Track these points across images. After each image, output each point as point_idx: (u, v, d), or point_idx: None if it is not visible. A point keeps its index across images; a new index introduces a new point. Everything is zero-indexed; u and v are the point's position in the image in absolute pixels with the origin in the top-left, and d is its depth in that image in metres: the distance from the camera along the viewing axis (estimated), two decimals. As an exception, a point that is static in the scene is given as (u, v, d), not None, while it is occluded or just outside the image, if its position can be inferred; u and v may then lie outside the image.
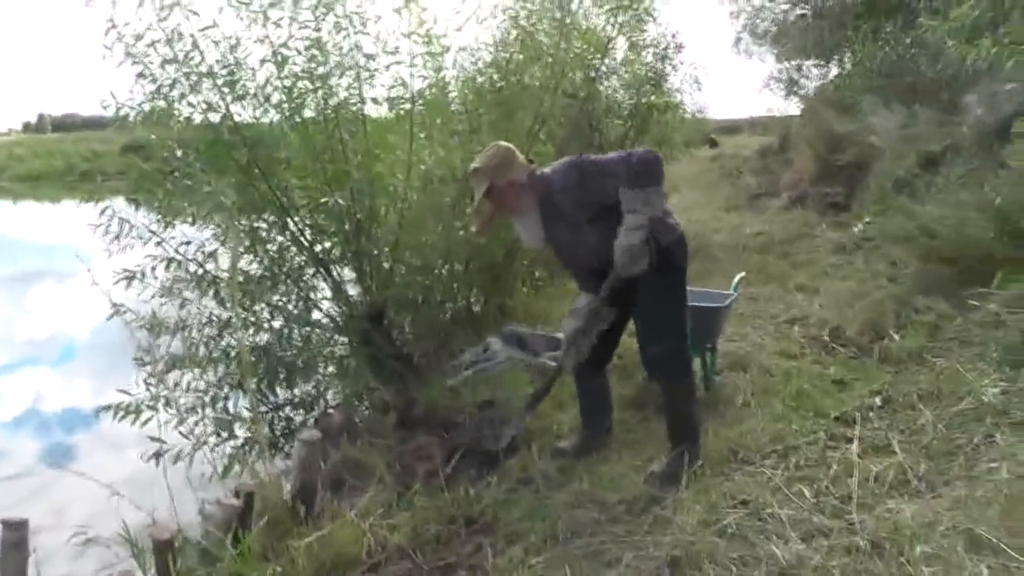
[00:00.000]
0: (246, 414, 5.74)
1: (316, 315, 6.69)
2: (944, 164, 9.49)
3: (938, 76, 12.00)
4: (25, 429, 8.60)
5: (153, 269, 5.91)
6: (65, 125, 71.40)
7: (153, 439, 4.74)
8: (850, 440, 4.59)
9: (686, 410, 4.45)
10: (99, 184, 6.16)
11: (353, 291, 6.67)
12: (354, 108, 6.31)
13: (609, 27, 10.50)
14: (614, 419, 5.03)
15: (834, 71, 19.72)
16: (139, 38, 5.78)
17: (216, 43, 5.92)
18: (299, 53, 6.12)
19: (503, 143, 4.47)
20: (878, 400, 5.13)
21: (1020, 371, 4.83)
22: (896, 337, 6.15)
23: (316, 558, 3.67)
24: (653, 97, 12.11)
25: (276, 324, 6.41)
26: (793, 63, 22.57)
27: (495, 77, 7.68)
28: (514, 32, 7.97)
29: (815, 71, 21.76)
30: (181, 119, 6.07)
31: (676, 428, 4.43)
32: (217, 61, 5.97)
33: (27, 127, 75.33)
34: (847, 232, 10.60)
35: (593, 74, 9.91)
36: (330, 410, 6.37)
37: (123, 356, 5.77)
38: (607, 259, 4.22)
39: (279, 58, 6.07)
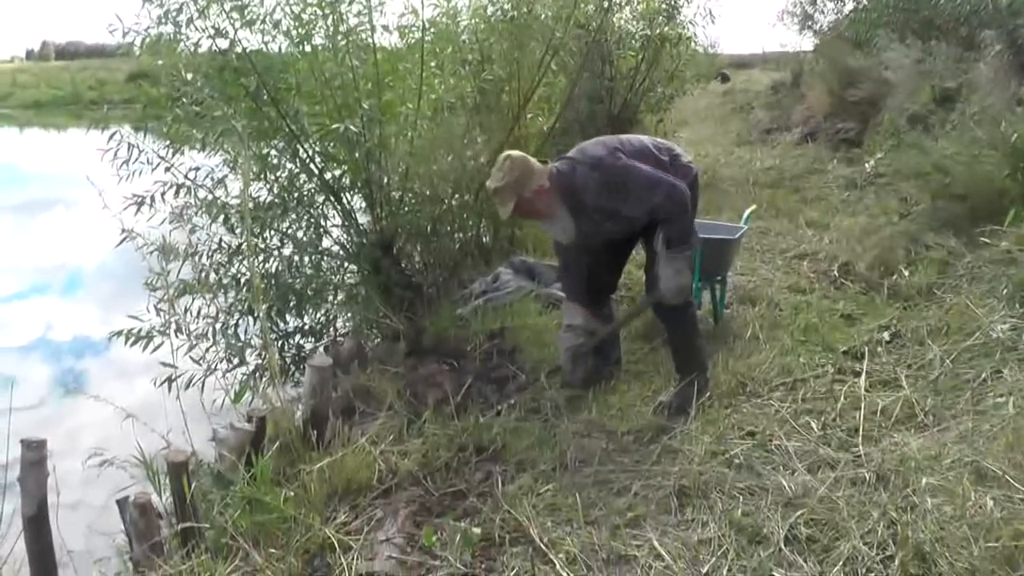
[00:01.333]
0: (257, 341, 5.77)
1: (326, 243, 6.70)
2: (960, 101, 9.39)
3: (956, 11, 11.82)
4: (36, 356, 8.67)
5: (162, 195, 5.90)
6: (69, 52, 70.71)
7: (165, 364, 4.76)
8: (858, 374, 4.61)
9: (690, 342, 4.48)
10: (105, 112, 6.09)
11: (363, 219, 6.66)
12: (364, 36, 6.23)
13: (623, -44, 10.36)
14: (622, 350, 5.04)
15: (849, 5, 19.38)
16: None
17: (225, -34, 5.84)
18: (309, -23, 6.03)
19: (514, 153, 4.32)
20: (886, 335, 5.14)
21: (1030, 307, 4.83)
22: (906, 273, 6.13)
23: (328, 483, 3.71)
24: (666, 29, 11.92)
25: (286, 251, 6.42)
26: (808, -4, 22.19)
27: (507, 6, 7.57)
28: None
29: (830, 5, 21.38)
30: (189, 45, 6.01)
31: (683, 360, 4.46)
32: (226, -16, 5.90)
33: (30, 54, 74.59)
34: (858, 168, 10.55)
35: (606, 4, 9.74)
36: (340, 338, 6.40)
37: (131, 284, 5.79)
38: (623, 238, 4.54)
39: (289, -18, 5.99)
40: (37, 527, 3.40)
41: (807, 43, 22.72)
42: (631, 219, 4.29)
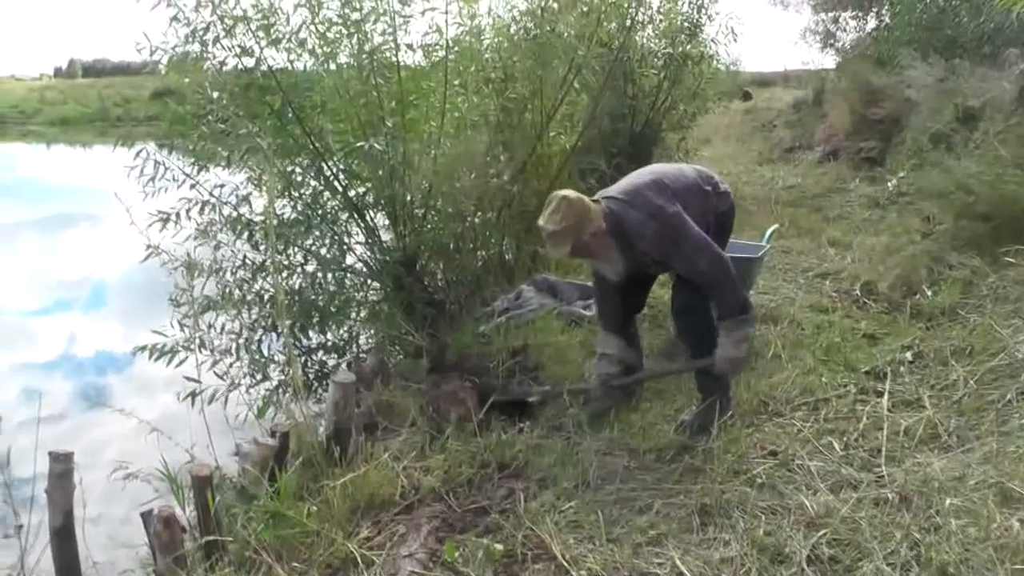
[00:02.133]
0: (280, 357, 5.81)
1: (349, 260, 6.74)
2: (983, 119, 9.35)
3: (980, 29, 11.80)
4: (59, 371, 8.75)
5: (187, 212, 5.97)
6: (95, 70, 71.43)
7: (189, 379, 4.80)
8: (880, 394, 4.59)
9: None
10: (130, 129, 6.17)
11: (386, 236, 6.70)
12: (388, 54, 6.28)
13: (645, -25, 10.37)
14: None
15: (872, 23, 19.39)
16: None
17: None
18: (334, -2, 6.10)
19: (570, 194, 4.14)
20: (909, 355, 5.11)
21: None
22: (929, 293, 6.11)
23: (351, 498, 3.73)
24: (688, 47, 11.93)
25: (310, 268, 6.46)
26: (830, 14, 22.21)
27: (530, 25, 7.62)
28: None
29: (852, 23, 21.40)
30: (215, 63, 6.08)
31: (705, 380, 4.42)
32: (252, 5, 5.98)
33: (58, 72, 75.41)
34: (881, 187, 10.52)
35: (628, 23, 9.76)
36: (363, 354, 6.44)
37: (154, 299, 5.85)
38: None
39: (313, 3, 6.05)
40: (64, 538, 3.44)
41: (829, 61, 22.80)
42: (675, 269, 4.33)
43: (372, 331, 6.78)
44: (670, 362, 5.27)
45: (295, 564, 3.26)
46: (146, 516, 3.48)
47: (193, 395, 4.79)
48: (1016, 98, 8.85)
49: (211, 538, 3.29)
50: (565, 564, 3.13)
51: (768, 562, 3.07)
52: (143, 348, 5.58)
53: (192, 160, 6.12)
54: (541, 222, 4.14)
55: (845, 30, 21.99)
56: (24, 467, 3.84)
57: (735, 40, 12.53)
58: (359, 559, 3.26)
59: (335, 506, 3.64)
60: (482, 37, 7.38)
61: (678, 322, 4.57)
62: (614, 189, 4.38)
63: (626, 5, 9.37)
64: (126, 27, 6.42)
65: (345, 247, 6.64)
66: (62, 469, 3.35)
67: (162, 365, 5.47)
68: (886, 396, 4.54)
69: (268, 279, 6.03)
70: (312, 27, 6.14)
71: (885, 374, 4.87)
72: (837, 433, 4.16)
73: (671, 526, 3.39)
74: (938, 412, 4.26)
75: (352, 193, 6.59)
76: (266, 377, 5.87)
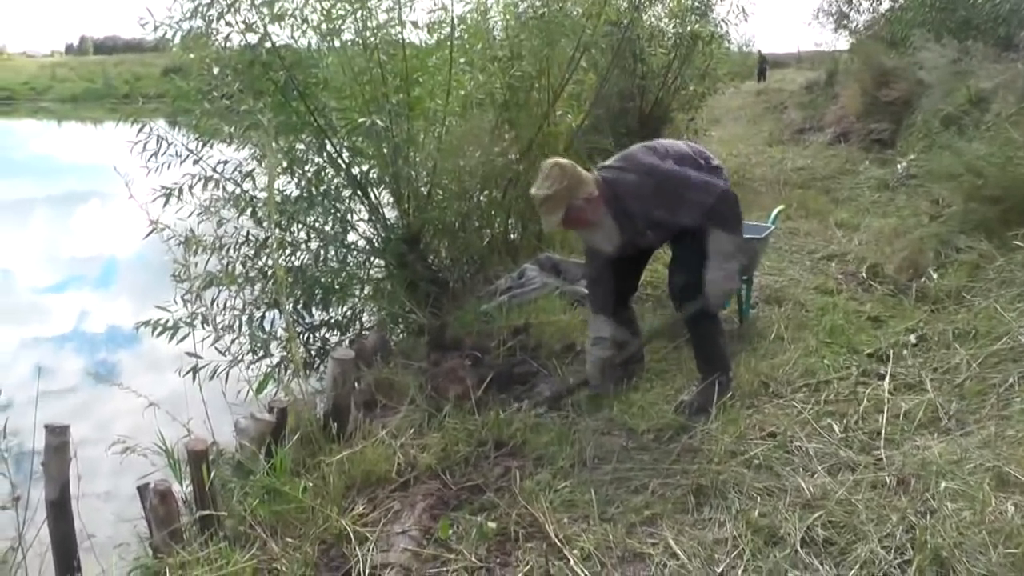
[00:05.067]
0: (282, 333, 5.81)
1: (353, 237, 6.73)
2: (995, 101, 9.28)
3: (995, 10, 11.70)
4: (70, 347, 8.78)
5: (191, 188, 5.96)
6: (107, 47, 71.52)
7: (190, 354, 4.80)
8: (882, 377, 4.56)
9: (713, 341, 4.42)
10: (140, 106, 6.15)
11: (390, 214, 6.69)
12: (393, 31, 6.25)
13: (656, -47, 10.34)
14: (644, 349, 5.00)
15: (886, 4, 19.25)
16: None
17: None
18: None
19: (562, 160, 4.16)
20: (913, 338, 5.09)
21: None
22: (935, 276, 6.08)
23: (347, 475, 3.73)
24: (698, 27, 11.87)
25: (313, 245, 6.45)
26: (844, -6, 22.06)
27: (537, 3, 7.58)
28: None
29: (866, 4, 21.25)
30: (219, 39, 6.05)
31: (705, 359, 4.41)
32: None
33: (69, 49, 75.50)
34: (891, 169, 10.45)
35: (637, 1, 9.72)
36: (365, 332, 6.43)
37: (165, 276, 5.84)
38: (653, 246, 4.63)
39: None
40: (60, 511, 3.44)
41: (842, 42, 22.63)
42: (677, 226, 4.22)
43: (375, 309, 6.77)
44: (672, 341, 5.26)
45: (289, 539, 3.26)
46: (143, 490, 3.48)
47: (194, 371, 4.79)
48: (1030, 80, 8.78)
49: (206, 513, 3.29)
50: (558, 543, 3.12)
51: (762, 543, 3.06)
52: (146, 323, 5.58)
53: (196, 136, 6.11)
54: (534, 190, 4.13)
55: (859, 11, 21.85)
56: (27, 441, 3.85)
57: (746, 20, 12.48)
58: (352, 535, 3.26)
59: (331, 482, 3.64)
60: (489, 15, 7.34)
61: (676, 302, 4.49)
62: (607, 162, 4.39)
63: (635, -17, 9.32)
64: (136, 4, 6.37)
65: (348, 225, 6.63)
66: (58, 442, 3.34)
67: (173, 342, 5.47)
68: (888, 379, 4.51)
69: (271, 255, 6.02)
70: (316, 3, 6.11)
71: (888, 357, 4.85)
72: (837, 415, 4.14)
73: (666, 506, 3.38)
74: (939, 395, 4.24)
75: (356, 170, 6.57)
76: (268, 354, 5.87)
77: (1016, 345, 4.58)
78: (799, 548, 3.00)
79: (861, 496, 3.29)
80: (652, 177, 4.11)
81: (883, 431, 3.90)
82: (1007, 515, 2.94)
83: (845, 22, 22.50)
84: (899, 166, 10.14)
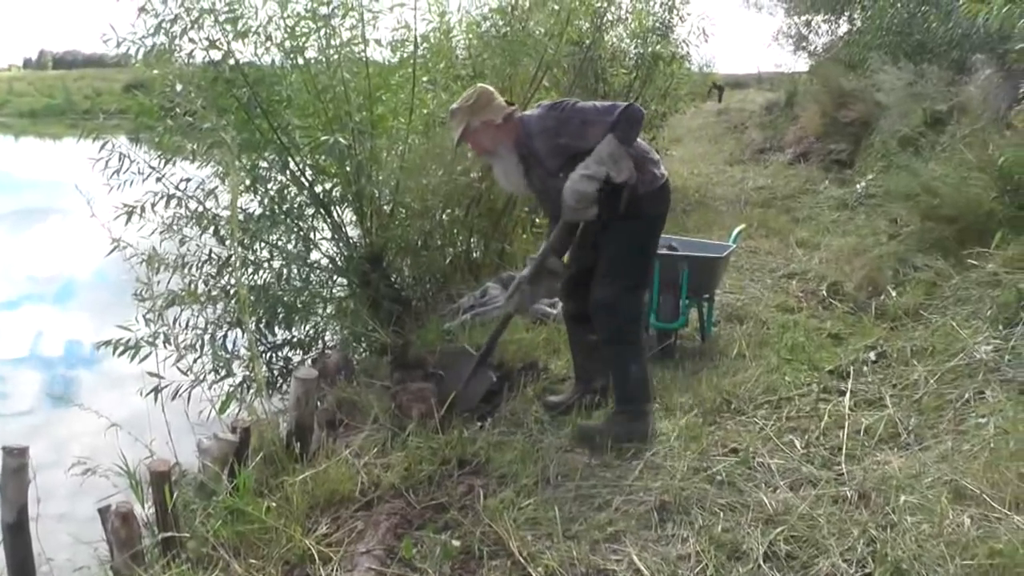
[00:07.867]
0: (244, 353, 5.77)
1: (315, 256, 6.72)
2: (950, 123, 9.46)
3: (948, 34, 11.92)
4: (26, 366, 8.65)
5: (153, 205, 5.93)
6: (66, 62, 70.78)
7: (152, 374, 4.76)
8: (843, 393, 4.61)
9: (622, 368, 4.20)
10: (101, 122, 6.09)
11: (353, 233, 6.68)
12: (357, 49, 6.26)
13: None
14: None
15: (844, 27, 19.51)
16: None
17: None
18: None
19: (486, 85, 4.37)
20: (872, 355, 5.15)
21: (1013, 329, 4.85)
22: (893, 294, 6.18)
23: (310, 495, 3.71)
24: (659, 47, 11.98)
25: (276, 264, 6.43)
26: (803, 18, 22.32)
27: (500, 23, 7.62)
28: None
29: (824, 27, 21.51)
30: (182, 55, 6.04)
31: (616, 387, 4.25)
32: (219, -3, 5.94)
33: (27, 63, 74.65)
34: (850, 189, 10.61)
35: (599, 22, 9.79)
36: (328, 351, 6.41)
37: (124, 294, 5.79)
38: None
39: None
40: (17, 534, 3.40)
41: (802, 64, 22.88)
42: (582, 151, 3.98)
43: (337, 328, 6.75)
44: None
45: (252, 561, 3.23)
46: (104, 512, 3.44)
47: (156, 391, 4.75)
48: (982, 102, 8.95)
49: (168, 534, 3.26)
50: (522, 561, 3.12)
51: (725, 559, 3.07)
52: (107, 343, 5.53)
53: (158, 153, 6.08)
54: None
55: (817, 33, 22.08)
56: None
57: (706, 41, 12.61)
58: (316, 556, 3.24)
59: (294, 502, 3.61)
60: (452, 34, 7.36)
61: (593, 317, 4.29)
62: None
63: (597, 4, 9.39)
64: (98, 18, 6.35)
65: (311, 243, 6.61)
66: (17, 464, 3.30)
67: (135, 362, 5.41)
68: (848, 395, 4.56)
69: (234, 274, 5.98)
70: (280, 20, 6.11)
71: (848, 373, 4.90)
72: (799, 431, 4.18)
73: (630, 523, 3.39)
74: (898, 411, 4.30)
75: (319, 188, 6.56)
76: (230, 373, 5.82)
77: (971, 361, 4.66)
78: (762, 563, 3.02)
79: (823, 511, 3.32)
80: (555, 109, 4.15)
81: (844, 447, 3.94)
82: (964, 527, 2.99)
83: (804, 44, 22.78)
84: (858, 186, 10.29)
